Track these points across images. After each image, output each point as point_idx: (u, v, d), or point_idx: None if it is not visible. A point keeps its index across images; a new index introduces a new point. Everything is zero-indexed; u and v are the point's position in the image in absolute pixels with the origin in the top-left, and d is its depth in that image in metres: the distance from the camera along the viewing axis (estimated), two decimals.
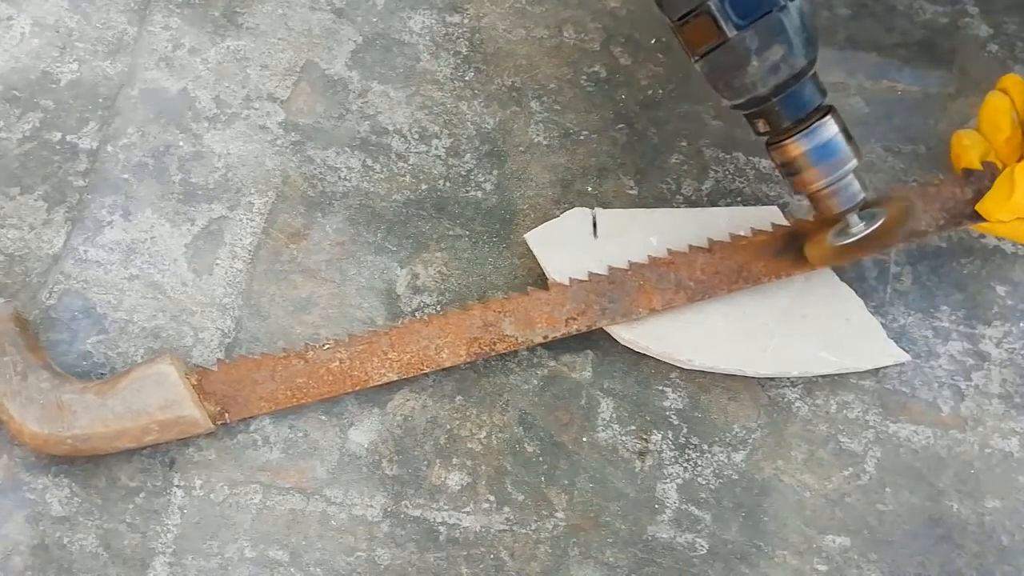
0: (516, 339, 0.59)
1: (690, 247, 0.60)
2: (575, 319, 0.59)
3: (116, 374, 0.58)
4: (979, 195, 0.58)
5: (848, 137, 0.52)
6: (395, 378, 0.59)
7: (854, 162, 0.52)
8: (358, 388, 0.59)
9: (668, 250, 0.60)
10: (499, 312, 0.60)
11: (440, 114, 0.67)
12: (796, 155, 0.52)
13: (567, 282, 0.60)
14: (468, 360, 0.59)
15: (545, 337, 0.59)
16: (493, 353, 0.59)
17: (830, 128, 0.51)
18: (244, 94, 0.67)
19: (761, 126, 0.53)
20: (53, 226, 0.64)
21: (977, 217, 0.58)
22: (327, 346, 0.59)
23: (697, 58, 0.51)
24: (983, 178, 0.59)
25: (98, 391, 0.57)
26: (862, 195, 0.53)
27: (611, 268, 0.60)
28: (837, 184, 0.52)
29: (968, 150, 0.59)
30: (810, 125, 0.51)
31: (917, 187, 0.60)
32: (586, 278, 0.60)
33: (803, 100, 0.51)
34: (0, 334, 0.57)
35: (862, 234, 0.54)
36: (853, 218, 0.54)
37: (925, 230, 0.59)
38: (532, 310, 0.60)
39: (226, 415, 0.59)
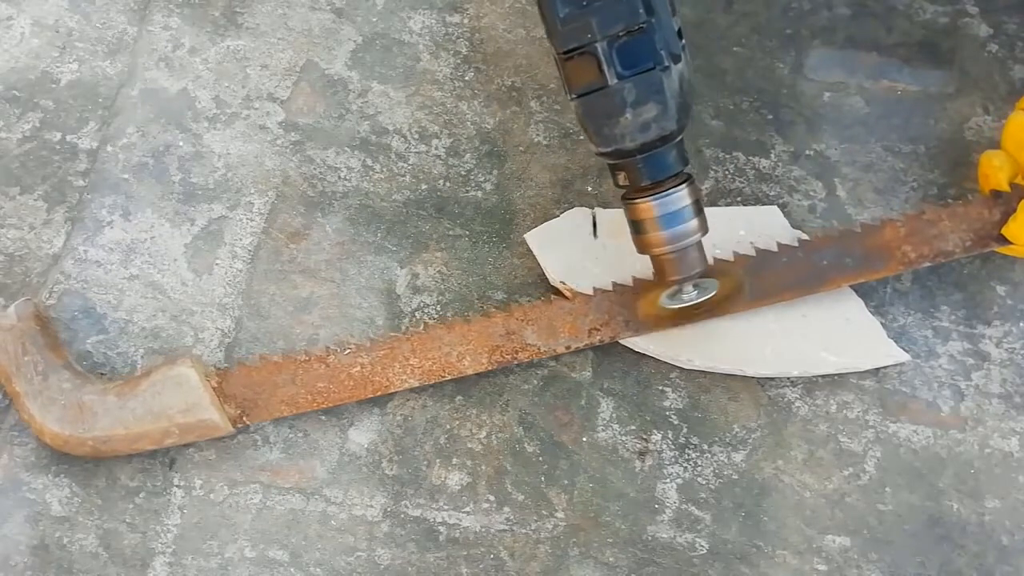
0: (539, 348, 0.59)
1: (715, 259, 0.59)
2: (598, 330, 0.59)
3: (136, 375, 0.58)
4: (1007, 217, 0.58)
5: (699, 210, 0.53)
6: (416, 384, 0.59)
7: (698, 235, 0.53)
8: (379, 394, 0.59)
9: None
10: (522, 320, 0.59)
11: (440, 114, 0.67)
12: (646, 217, 0.53)
13: (590, 291, 0.59)
14: (490, 368, 0.59)
15: (567, 347, 0.59)
16: (515, 362, 0.59)
17: (683, 198, 0.52)
18: (244, 94, 0.67)
19: (621, 179, 0.53)
20: (53, 226, 0.64)
21: (1004, 240, 0.58)
22: (348, 351, 0.59)
23: (574, 97, 0.51)
24: (1011, 200, 0.58)
25: (118, 392, 0.57)
26: (699, 267, 0.54)
27: (635, 279, 0.60)
28: (678, 253, 0.53)
29: (997, 171, 0.58)
30: (665, 190, 0.52)
31: (944, 207, 0.59)
32: (610, 288, 0.60)
33: (664, 164, 0.52)
34: (21, 333, 0.57)
35: (691, 303, 0.57)
36: (687, 286, 0.56)
37: (952, 251, 0.59)
38: (555, 319, 0.59)
39: (245, 418, 0.58)
